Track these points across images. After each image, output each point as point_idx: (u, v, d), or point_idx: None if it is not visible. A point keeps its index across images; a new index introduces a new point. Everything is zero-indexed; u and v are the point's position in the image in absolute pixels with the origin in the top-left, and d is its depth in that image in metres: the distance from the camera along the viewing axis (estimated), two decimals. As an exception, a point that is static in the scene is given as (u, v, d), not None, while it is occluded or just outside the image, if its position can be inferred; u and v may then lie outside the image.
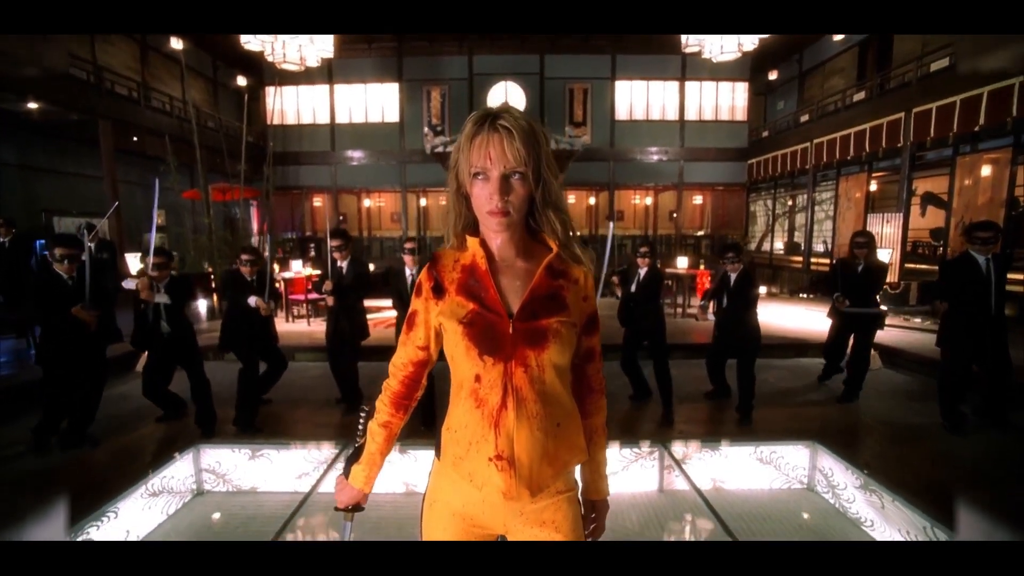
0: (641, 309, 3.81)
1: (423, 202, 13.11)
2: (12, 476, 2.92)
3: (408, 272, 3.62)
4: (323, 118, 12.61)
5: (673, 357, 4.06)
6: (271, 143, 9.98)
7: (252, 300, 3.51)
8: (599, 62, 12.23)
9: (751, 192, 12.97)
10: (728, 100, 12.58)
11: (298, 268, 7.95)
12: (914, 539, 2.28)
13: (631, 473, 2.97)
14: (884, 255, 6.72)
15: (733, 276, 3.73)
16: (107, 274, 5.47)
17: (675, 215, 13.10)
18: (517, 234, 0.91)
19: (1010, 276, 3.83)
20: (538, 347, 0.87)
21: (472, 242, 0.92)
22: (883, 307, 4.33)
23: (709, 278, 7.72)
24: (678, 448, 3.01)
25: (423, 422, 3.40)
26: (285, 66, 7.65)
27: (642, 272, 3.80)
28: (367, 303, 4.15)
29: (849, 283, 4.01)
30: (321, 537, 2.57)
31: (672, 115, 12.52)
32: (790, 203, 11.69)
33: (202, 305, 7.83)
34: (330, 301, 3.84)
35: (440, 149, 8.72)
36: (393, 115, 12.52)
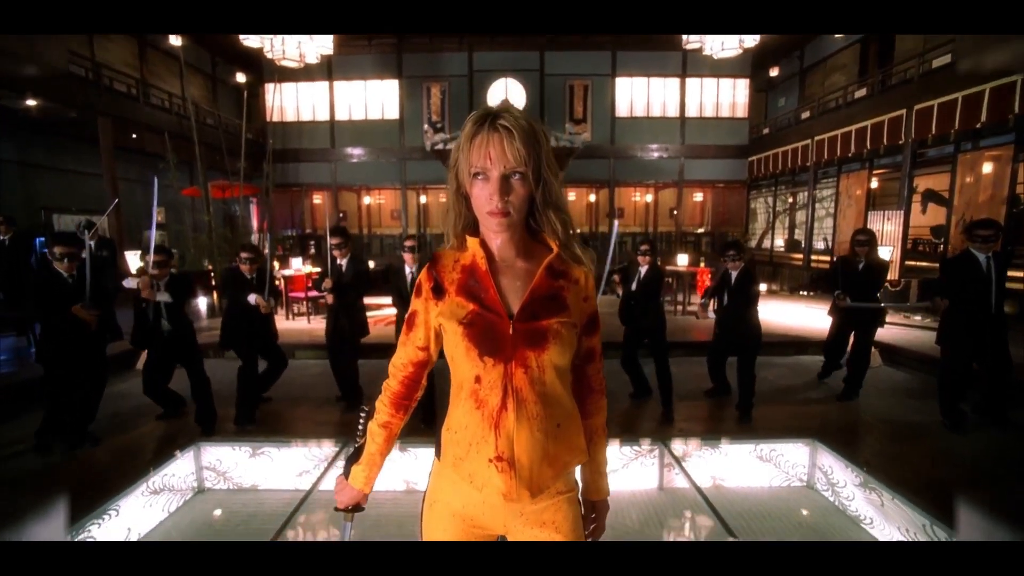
0: (641, 307, 3.81)
1: (423, 199, 13.10)
2: (13, 474, 2.93)
3: (408, 270, 3.62)
4: (323, 115, 12.57)
5: (673, 355, 4.05)
6: (271, 140, 9.94)
7: (252, 298, 3.51)
8: (599, 58, 12.19)
9: (752, 189, 12.95)
10: (729, 97, 12.53)
11: (298, 266, 7.95)
12: (913, 537, 2.29)
13: (631, 471, 2.97)
14: (885, 253, 6.72)
15: (734, 274, 3.73)
16: (107, 272, 5.47)
17: (675, 212, 13.08)
18: (517, 234, 0.91)
19: (1010, 273, 3.83)
20: (538, 348, 0.87)
21: (472, 242, 0.91)
22: (883, 304, 4.33)
23: (709, 276, 7.72)
24: (678, 446, 3.02)
25: (423, 420, 3.41)
26: (284, 63, 7.63)
27: (643, 270, 3.79)
28: (367, 301, 4.15)
29: (850, 281, 4.01)
30: (322, 535, 2.57)
31: (673, 112, 12.48)
32: (791, 200, 11.67)
33: (202, 303, 7.83)
34: (330, 299, 3.84)
35: (440, 146, 8.70)
36: (393, 112, 12.49)
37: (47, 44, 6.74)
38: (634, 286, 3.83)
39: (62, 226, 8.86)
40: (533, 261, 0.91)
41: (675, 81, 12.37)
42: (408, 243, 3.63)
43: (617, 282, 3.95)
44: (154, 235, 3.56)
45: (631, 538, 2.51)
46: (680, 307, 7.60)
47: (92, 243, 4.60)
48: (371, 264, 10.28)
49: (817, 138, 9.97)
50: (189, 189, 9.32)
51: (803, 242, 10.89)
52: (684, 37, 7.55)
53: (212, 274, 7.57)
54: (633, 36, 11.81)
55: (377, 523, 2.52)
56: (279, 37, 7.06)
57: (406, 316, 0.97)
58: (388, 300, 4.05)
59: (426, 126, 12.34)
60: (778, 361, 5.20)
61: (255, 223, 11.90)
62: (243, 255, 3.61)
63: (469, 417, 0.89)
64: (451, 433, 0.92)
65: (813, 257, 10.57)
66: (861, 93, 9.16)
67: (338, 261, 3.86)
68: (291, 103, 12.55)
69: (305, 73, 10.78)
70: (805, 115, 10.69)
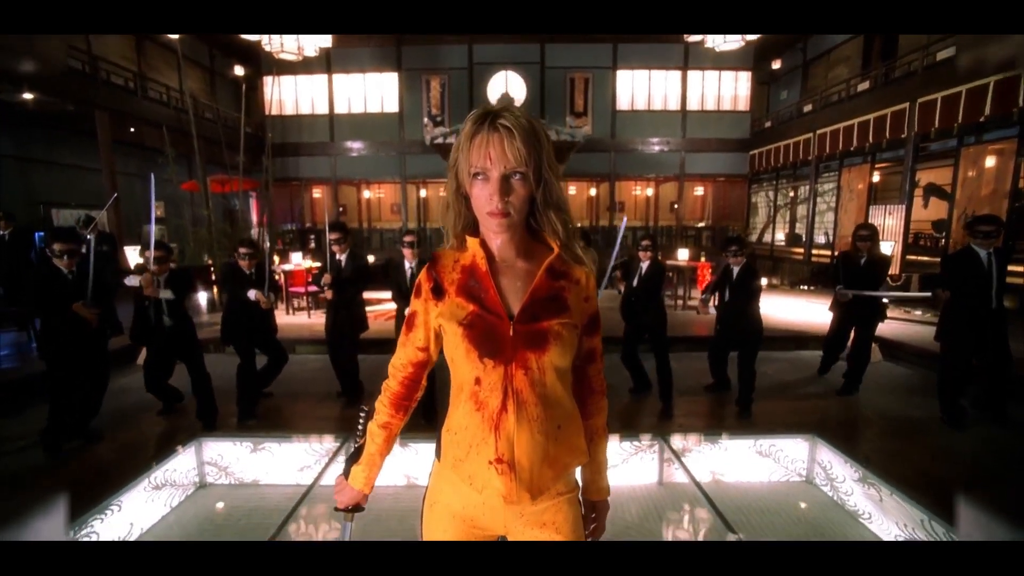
0: (643, 303, 3.80)
1: (423, 193, 13.05)
2: (16, 470, 2.94)
3: (407, 265, 3.61)
4: (322, 108, 12.51)
5: (674, 350, 4.06)
6: (269, 134, 9.91)
7: (252, 294, 3.50)
8: (600, 51, 12.09)
9: (753, 183, 12.90)
10: (731, 90, 12.45)
11: (298, 260, 7.94)
12: (911, 532, 2.30)
13: (631, 466, 2.98)
14: (886, 247, 6.70)
15: (736, 269, 3.72)
16: (107, 267, 5.46)
17: (676, 206, 13.04)
18: (518, 235, 0.90)
19: (1010, 268, 3.82)
20: (539, 349, 0.86)
21: (472, 242, 0.90)
22: (884, 300, 4.33)
23: (710, 271, 7.71)
24: (677, 441, 3.03)
25: (423, 415, 3.41)
26: (283, 56, 7.58)
27: (644, 266, 3.78)
28: (367, 295, 4.14)
29: (852, 276, 4.00)
30: (323, 529, 2.59)
31: (674, 105, 12.40)
32: (792, 194, 11.63)
33: (202, 298, 7.83)
34: (329, 294, 3.83)
35: (440, 140, 8.66)
36: (392, 105, 12.42)
37: (46, 38, 6.69)
38: (635, 282, 3.82)
39: (61, 221, 8.83)
40: (534, 261, 0.91)
41: (676, 74, 12.29)
42: (407, 238, 3.62)
43: (619, 278, 3.94)
44: (153, 230, 3.55)
45: (631, 533, 2.53)
46: (680, 302, 7.59)
47: (92, 237, 4.59)
48: (371, 258, 10.27)
49: (819, 131, 9.91)
50: (188, 183, 9.28)
51: (804, 236, 10.87)
52: (686, 30, 7.48)
53: (212, 269, 7.56)
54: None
55: (378, 518, 2.53)
56: (277, 30, 7.00)
57: (406, 317, 0.97)
58: (388, 295, 4.05)
59: (426, 119, 12.27)
60: (778, 356, 5.21)
61: (255, 217, 11.86)
62: (241, 250, 3.59)
63: (469, 419, 0.88)
64: (451, 434, 0.92)
65: (814, 251, 10.55)
66: (864, 86, 9.10)
67: (337, 256, 3.85)
68: (290, 96, 12.48)
69: (304, 66, 10.69)
70: (807, 108, 10.63)
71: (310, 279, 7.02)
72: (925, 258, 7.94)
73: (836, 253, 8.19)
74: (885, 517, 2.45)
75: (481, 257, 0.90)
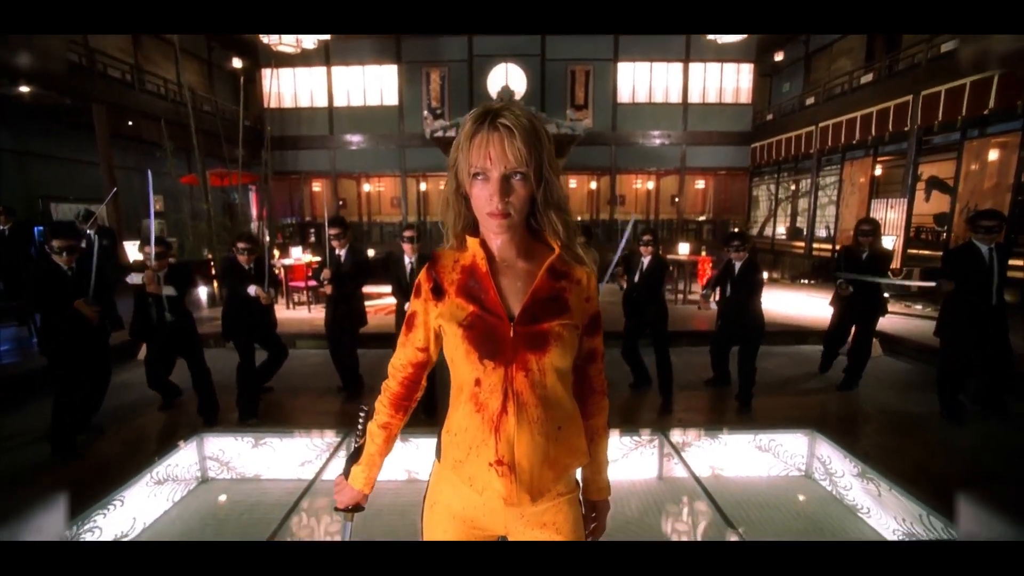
0: (644, 299, 3.79)
1: (423, 187, 13.00)
2: (18, 466, 2.95)
3: (407, 260, 3.60)
4: (321, 101, 12.42)
5: (674, 345, 4.06)
6: (268, 127, 9.84)
7: (252, 290, 3.48)
8: (601, 43, 11.98)
9: (754, 176, 12.84)
10: (733, 82, 12.35)
11: (298, 255, 7.92)
12: (910, 526, 2.31)
13: (631, 461, 2.99)
14: (887, 242, 6.68)
15: (738, 264, 3.70)
16: (107, 263, 5.45)
17: (677, 200, 12.99)
18: (518, 235, 0.89)
19: (1011, 262, 3.81)
20: (539, 351, 0.85)
21: (472, 242, 0.90)
22: (886, 294, 4.32)
23: (711, 265, 7.69)
24: (677, 436, 3.03)
25: (424, 411, 3.42)
26: (281, 48, 7.52)
27: (645, 261, 3.77)
28: (366, 290, 4.14)
29: (853, 270, 3.99)
30: (325, 522, 2.60)
31: (675, 98, 12.31)
32: (793, 188, 11.58)
33: (202, 292, 7.83)
34: (329, 289, 3.83)
35: (440, 133, 8.60)
36: (392, 98, 12.33)
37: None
38: (636, 277, 3.81)
39: (60, 215, 8.81)
40: (534, 262, 0.90)
41: (678, 66, 12.18)
42: (407, 233, 3.61)
43: (621, 274, 3.92)
44: (153, 225, 3.53)
45: (630, 527, 2.54)
46: (681, 296, 7.59)
47: (93, 232, 4.58)
48: (371, 252, 10.24)
49: (821, 124, 9.85)
50: (187, 177, 9.25)
51: (805, 230, 10.84)
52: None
53: (212, 263, 7.55)
54: (636, 19, 11.58)
55: (379, 513, 2.54)
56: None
57: (405, 317, 0.96)
58: (388, 289, 4.04)
59: (425, 112, 12.19)
60: (778, 351, 5.21)
61: (254, 211, 11.84)
62: (240, 245, 3.53)
63: (469, 420, 0.88)
64: (451, 435, 0.92)
65: (815, 245, 10.52)
66: (867, 79, 9.02)
67: (337, 251, 3.84)
68: (289, 89, 12.39)
69: (302, 58, 10.63)
70: (810, 101, 10.55)
71: (310, 274, 7.02)
72: (926, 252, 7.92)
73: (838, 247, 8.17)
74: (884, 512, 2.46)
75: (481, 257, 0.89)
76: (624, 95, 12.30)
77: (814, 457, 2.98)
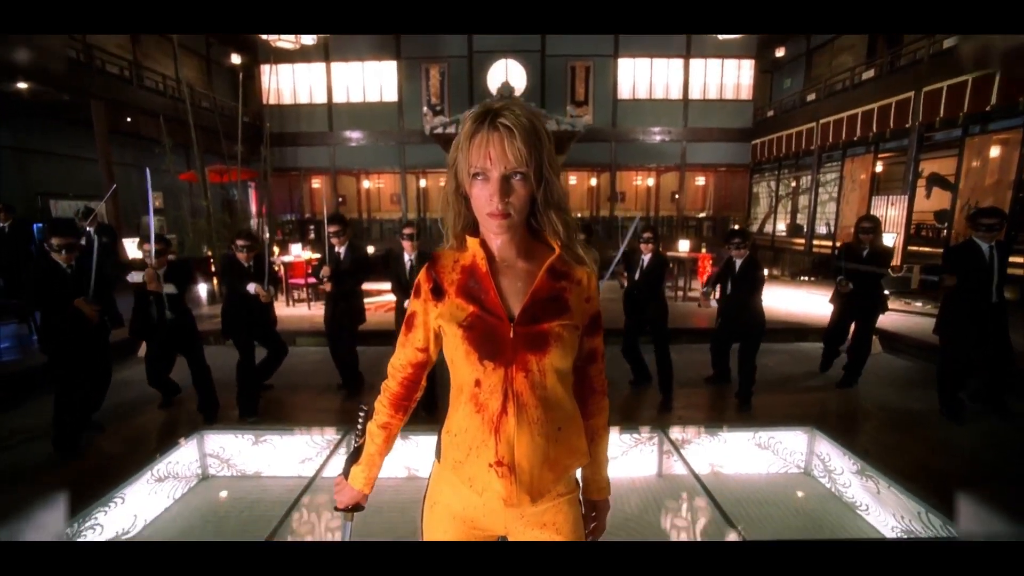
0: (645, 297, 3.79)
1: (423, 183, 12.97)
2: (19, 463, 2.96)
3: (407, 257, 3.60)
4: (320, 97, 12.37)
5: (674, 342, 4.06)
6: (267, 123, 9.81)
7: (251, 287, 3.48)
8: (601, 39, 11.92)
9: (755, 173, 12.81)
10: (733, 78, 12.30)
11: (297, 251, 7.92)
12: (908, 523, 2.32)
13: (630, 458, 3.00)
14: (888, 239, 6.67)
15: (738, 262, 3.70)
16: (107, 260, 5.45)
17: (677, 196, 12.97)
18: (518, 235, 0.89)
19: (1011, 259, 3.81)
20: (540, 352, 0.85)
21: (472, 242, 0.89)
22: (886, 291, 4.32)
23: (711, 261, 7.69)
24: (677, 433, 3.04)
25: (424, 408, 3.43)
26: (280, 44, 7.48)
27: (645, 258, 3.76)
28: (366, 286, 4.13)
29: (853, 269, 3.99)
30: (326, 519, 2.61)
31: (676, 94, 12.27)
32: (794, 184, 11.56)
33: (202, 289, 7.83)
34: (328, 287, 3.82)
35: (439, 130, 8.58)
36: (391, 94, 12.28)
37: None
38: (637, 275, 3.80)
39: (59, 212, 8.79)
40: (534, 262, 0.90)
41: (679, 62, 12.13)
42: (407, 230, 3.60)
43: (621, 272, 3.91)
44: (152, 223, 3.52)
45: (630, 524, 2.55)
46: (681, 293, 7.59)
47: (92, 230, 4.57)
48: (371, 249, 10.23)
49: (822, 121, 9.81)
50: (186, 174, 9.23)
51: (805, 227, 10.82)
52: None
53: (211, 260, 7.54)
54: (636, 15, 11.52)
55: (380, 510, 2.55)
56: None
57: (405, 317, 0.96)
58: (387, 286, 4.04)
59: (425, 108, 12.15)
60: (778, 348, 5.22)
61: (254, 208, 11.81)
62: (239, 242, 3.53)
63: (469, 421, 0.88)
64: (451, 436, 0.92)
65: (815, 242, 10.51)
66: (869, 75, 8.99)
67: (336, 249, 3.83)
68: (288, 85, 12.34)
69: (301, 54, 10.58)
70: (811, 97, 10.51)
71: (309, 271, 7.01)
72: (927, 249, 7.91)
73: (838, 244, 8.15)
74: (882, 509, 2.47)
75: (481, 257, 0.88)
76: (624, 91, 12.25)
77: (813, 454, 2.99)
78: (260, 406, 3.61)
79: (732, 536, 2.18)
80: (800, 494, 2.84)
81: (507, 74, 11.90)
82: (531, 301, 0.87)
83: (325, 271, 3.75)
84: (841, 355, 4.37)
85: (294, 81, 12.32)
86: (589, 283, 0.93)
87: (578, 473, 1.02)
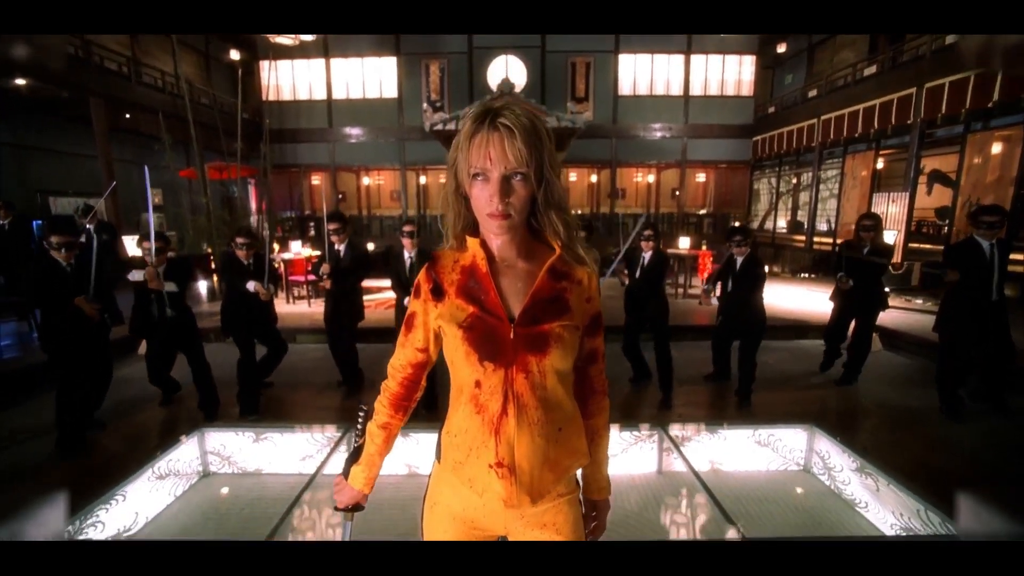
0: (646, 295, 3.78)
1: (423, 180, 12.94)
2: (20, 461, 2.96)
3: (407, 255, 3.59)
4: (320, 94, 12.32)
5: (674, 339, 4.05)
6: (267, 120, 9.77)
7: (251, 285, 3.48)
8: (602, 35, 11.85)
9: (755, 170, 12.77)
10: (734, 74, 12.24)
11: (298, 249, 7.91)
12: (908, 521, 2.32)
13: (630, 455, 3.01)
14: (889, 236, 6.66)
15: (739, 259, 3.69)
16: (107, 257, 5.44)
17: (678, 193, 12.94)
18: (519, 235, 0.88)
19: (1012, 256, 3.80)
20: (540, 352, 0.85)
21: (472, 243, 0.89)
22: (887, 288, 4.31)
23: (711, 259, 7.68)
24: (677, 431, 3.05)
25: (424, 405, 3.43)
26: (279, 40, 7.43)
27: (646, 256, 3.75)
28: (366, 283, 4.13)
29: (855, 265, 3.98)
30: (326, 517, 2.62)
31: (676, 90, 12.21)
32: (795, 181, 11.53)
33: (202, 286, 7.82)
34: (328, 284, 3.82)
35: (439, 126, 8.54)
36: (391, 90, 12.23)
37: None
38: (637, 273, 3.79)
39: (59, 209, 8.78)
40: (535, 262, 0.89)
41: (679, 58, 12.07)
42: (407, 228, 3.59)
43: (622, 270, 3.91)
44: (152, 220, 3.51)
45: (630, 521, 2.56)
46: (681, 290, 7.58)
47: (92, 227, 4.56)
48: (371, 246, 10.23)
49: (823, 117, 9.78)
50: (186, 171, 9.20)
51: (806, 224, 10.80)
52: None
53: (211, 257, 7.54)
54: (637, 11, 11.46)
55: (380, 508, 2.56)
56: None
57: (405, 317, 0.96)
58: (387, 283, 4.04)
59: (425, 105, 12.10)
60: (778, 345, 5.22)
61: (253, 204, 11.79)
62: (239, 240, 3.52)
63: (469, 422, 0.88)
64: (451, 437, 0.92)
65: (815, 239, 10.49)
66: (871, 71, 8.94)
67: (336, 246, 3.83)
68: (287, 81, 12.28)
69: (301, 50, 10.53)
70: (812, 93, 10.47)
71: (309, 268, 7.01)
72: (928, 246, 7.90)
73: (839, 242, 8.14)
74: (882, 506, 2.47)
75: (481, 258, 0.88)
76: (625, 87, 12.20)
77: (813, 452, 2.99)
78: (260, 403, 3.61)
79: (732, 533, 2.19)
80: (800, 491, 2.85)
81: (507, 70, 11.84)
82: (531, 302, 0.86)
83: (325, 268, 3.75)
84: (842, 355, 4.37)
85: (293, 77, 12.27)
86: (590, 283, 0.92)
87: (578, 473, 1.02)
